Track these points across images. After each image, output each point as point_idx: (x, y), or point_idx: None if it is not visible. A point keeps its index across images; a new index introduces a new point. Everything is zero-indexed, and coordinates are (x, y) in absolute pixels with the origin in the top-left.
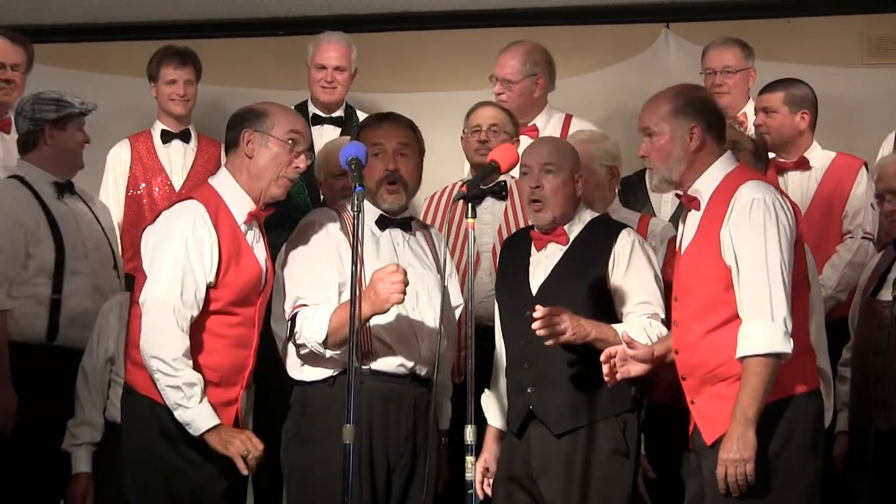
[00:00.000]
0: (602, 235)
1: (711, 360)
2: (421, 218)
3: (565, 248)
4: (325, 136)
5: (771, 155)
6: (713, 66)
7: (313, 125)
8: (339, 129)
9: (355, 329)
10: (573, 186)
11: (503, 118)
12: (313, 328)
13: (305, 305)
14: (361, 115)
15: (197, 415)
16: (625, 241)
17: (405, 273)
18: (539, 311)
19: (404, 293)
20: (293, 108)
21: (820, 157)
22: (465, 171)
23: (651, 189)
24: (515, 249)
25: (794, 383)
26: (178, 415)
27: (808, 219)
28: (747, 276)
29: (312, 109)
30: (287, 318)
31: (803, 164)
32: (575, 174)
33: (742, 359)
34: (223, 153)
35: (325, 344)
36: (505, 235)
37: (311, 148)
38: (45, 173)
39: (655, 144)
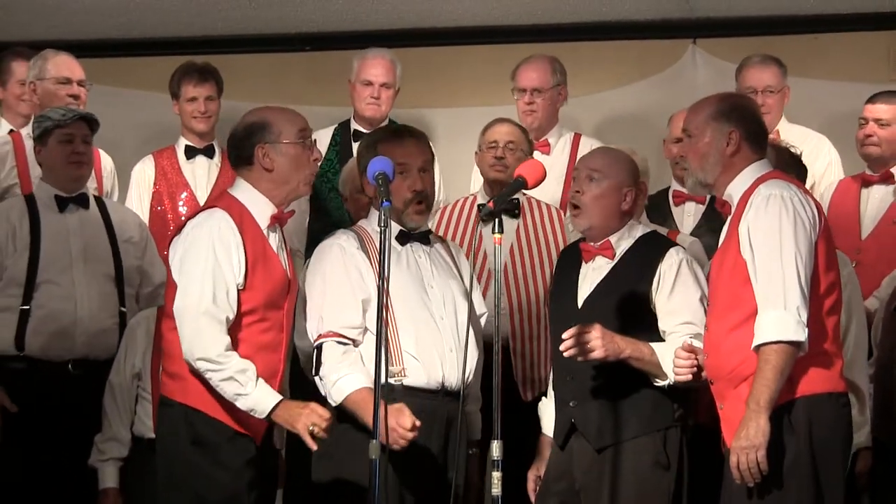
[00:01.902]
0: (650, 252)
1: (732, 359)
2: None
3: (613, 262)
4: None
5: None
6: (754, 86)
7: (355, 141)
8: None
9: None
10: (618, 198)
11: (520, 135)
12: (333, 391)
13: (332, 335)
14: None
15: (257, 398)
16: (672, 260)
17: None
18: (569, 331)
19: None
20: (336, 126)
21: None
22: (477, 186)
23: (686, 190)
24: (568, 261)
25: (815, 382)
26: (240, 404)
27: (878, 231)
28: (762, 266)
29: (355, 126)
30: (312, 342)
31: (888, 178)
32: (624, 187)
33: (757, 349)
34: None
35: (336, 408)
36: (517, 255)
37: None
38: (48, 187)
39: (694, 145)
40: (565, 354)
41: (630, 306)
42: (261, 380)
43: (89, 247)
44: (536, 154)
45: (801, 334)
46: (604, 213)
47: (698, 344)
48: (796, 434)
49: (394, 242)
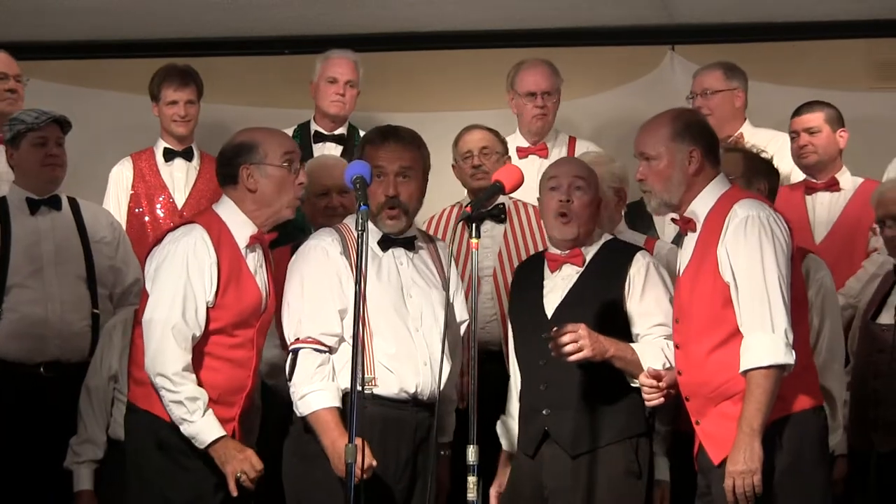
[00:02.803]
0: (617, 258)
1: (715, 378)
2: None
3: (581, 270)
4: (326, 153)
5: (801, 176)
6: (694, 90)
7: (315, 143)
8: (340, 148)
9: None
10: (597, 208)
11: (492, 139)
12: (301, 403)
13: (310, 342)
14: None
15: (200, 428)
16: (640, 264)
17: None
18: (557, 330)
19: None
20: (296, 127)
21: (849, 180)
22: (465, 193)
23: (650, 211)
24: (529, 272)
25: (799, 399)
26: (183, 429)
27: (832, 238)
28: (746, 290)
29: (315, 127)
30: (289, 346)
31: (833, 186)
32: (598, 197)
33: (745, 372)
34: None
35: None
36: (505, 259)
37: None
38: (20, 190)
39: (654, 168)
40: (554, 354)
41: (603, 312)
42: (209, 411)
43: (61, 249)
44: (533, 158)
45: (790, 357)
46: (589, 222)
47: (670, 356)
48: (783, 452)
49: (375, 247)
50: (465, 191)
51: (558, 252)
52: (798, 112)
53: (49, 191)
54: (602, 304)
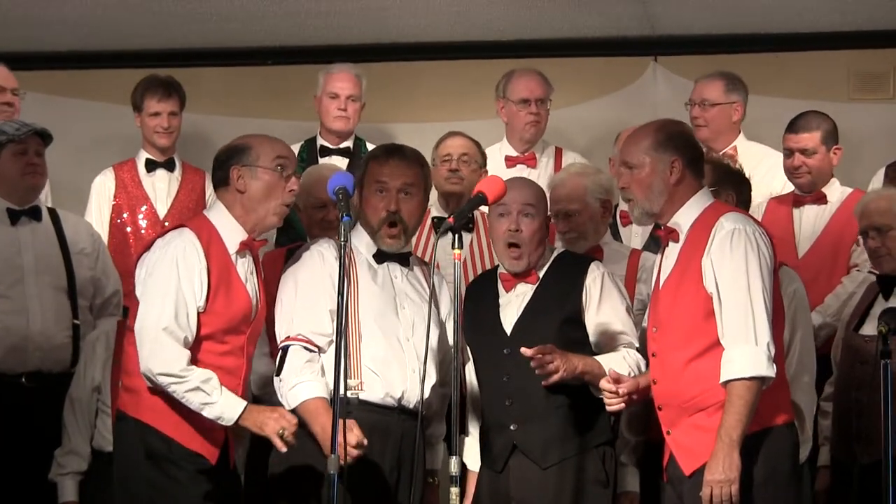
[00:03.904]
0: (571, 270)
1: (691, 388)
2: None
3: (534, 286)
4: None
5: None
6: (693, 98)
7: (321, 157)
8: (346, 161)
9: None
10: (546, 231)
11: (473, 148)
12: (289, 395)
13: (300, 340)
14: (371, 147)
15: (223, 406)
16: (595, 275)
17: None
18: (528, 350)
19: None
20: (302, 143)
21: (837, 191)
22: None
23: (633, 221)
24: (482, 292)
25: (774, 414)
26: (207, 413)
27: (815, 250)
28: (729, 302)
29: (321, 141)
30: (279, 345)
31: (820, 199)
32: (547, 218)
33: (726, 383)
34: (206, 185)
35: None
36: (470, 269)
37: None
38: (0, 201)
39: (636, 177)
40: (538, 372)
41: (561, 325)
42: (224, 388)
43: (41, 259)
44: (521, 168)
45: (771, 370)
46: (539, 247)
47: (631, 364)
48: (756, 466)
49: (370, 259)
50: (436, 194)
51: (511, 272)
52: (794, 128)
53: (29, 200)
54: (560, 318)
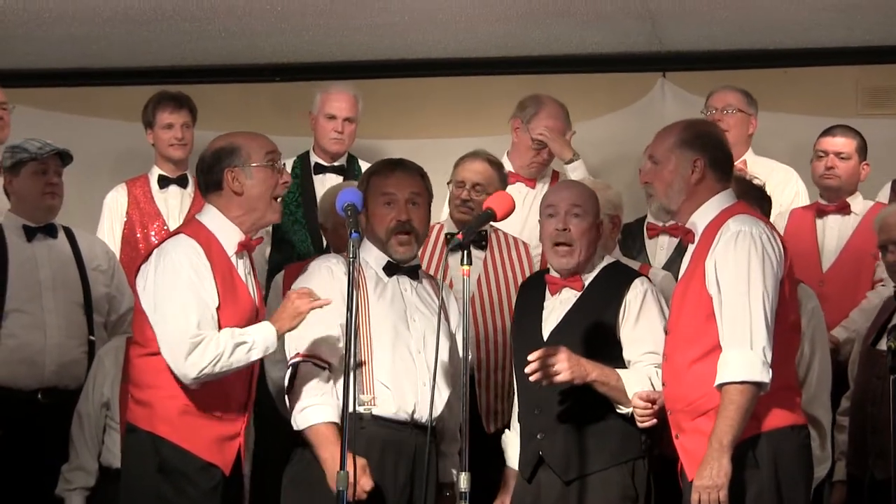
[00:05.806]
0: (616, 282)
1: (693, 391)
2: None
3: (579, 293)
4: (327, 184)
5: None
6: (715, 105)
7: (315, 174)
8: (340, 178)
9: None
10: (597, 232)
11: (489, 176)
12: (299, 417)
13: (309, 357)
14: (363, 164)
15: (261, 338)
16: (637, 290)
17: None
18: (534, 354)
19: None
20: (295, 158)
21: (861, 204)
22: (445, 214)
23: (651, 214)
24: (531, 293)
25: (778, 416)
26: (256, 355)
27: (840, 264)
28: (728, 304)
29: (314, 158)
30: (288, 362)
31: (844, 209)
32: (597, 220)
33: (720, 387)
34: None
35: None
36: (484, 286)
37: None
38: (16, 217)
39: (659, 172)
40: (532, 378)
41: (596, 336)
42: (247, 328)
43: (58, 275)
44: (521, 187)
45: (766, 375)
46: (589, 248)
47: (657, 385)
48: (760, 468)
49: (380, 272)
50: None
51: (558, 276)
52: (831, 132)
53: (46, 219)
54: (596, 329)
